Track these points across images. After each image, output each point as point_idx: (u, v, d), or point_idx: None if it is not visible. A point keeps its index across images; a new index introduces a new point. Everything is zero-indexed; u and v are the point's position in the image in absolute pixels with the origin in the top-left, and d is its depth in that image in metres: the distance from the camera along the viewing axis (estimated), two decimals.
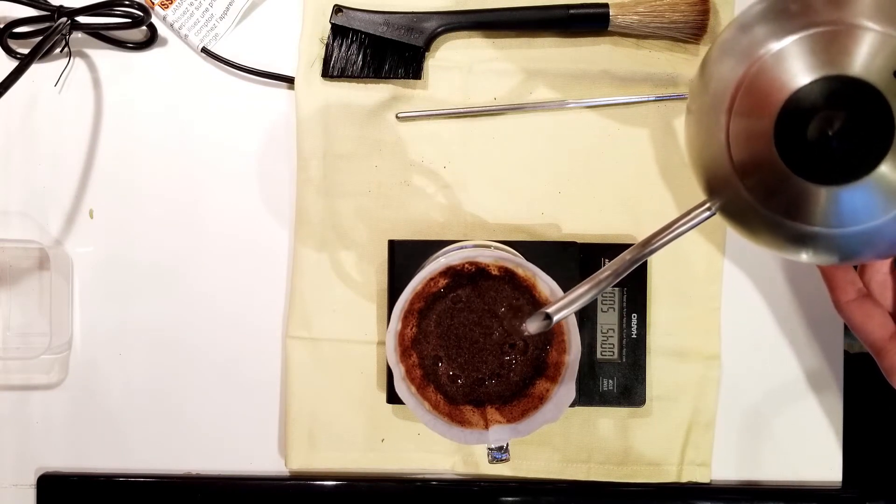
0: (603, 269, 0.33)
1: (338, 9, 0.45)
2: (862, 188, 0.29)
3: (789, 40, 0.30)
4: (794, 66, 0.29)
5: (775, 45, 0.30)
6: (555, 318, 0.32)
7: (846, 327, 0.47)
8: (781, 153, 0.29)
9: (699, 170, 0.34)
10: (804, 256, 0.32)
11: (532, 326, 0.33)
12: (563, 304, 0.32)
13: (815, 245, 0.31)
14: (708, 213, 0.33)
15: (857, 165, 0.29)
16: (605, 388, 0.45)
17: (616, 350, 0.45)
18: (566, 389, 0.37)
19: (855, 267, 0.41)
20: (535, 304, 0.38)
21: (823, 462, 0.48)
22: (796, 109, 0.29)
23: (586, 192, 0.47)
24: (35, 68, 0.44)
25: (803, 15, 0.30)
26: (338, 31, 0.46)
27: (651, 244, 0.33)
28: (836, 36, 0.29)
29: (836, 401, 0.47)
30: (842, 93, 0.29)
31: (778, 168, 0.30)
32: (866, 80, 0.28)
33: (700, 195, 0.34)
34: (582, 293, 0.33)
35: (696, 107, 0.34)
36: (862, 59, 0.28)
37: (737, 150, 0.31)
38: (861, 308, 0.40)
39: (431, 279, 0.38)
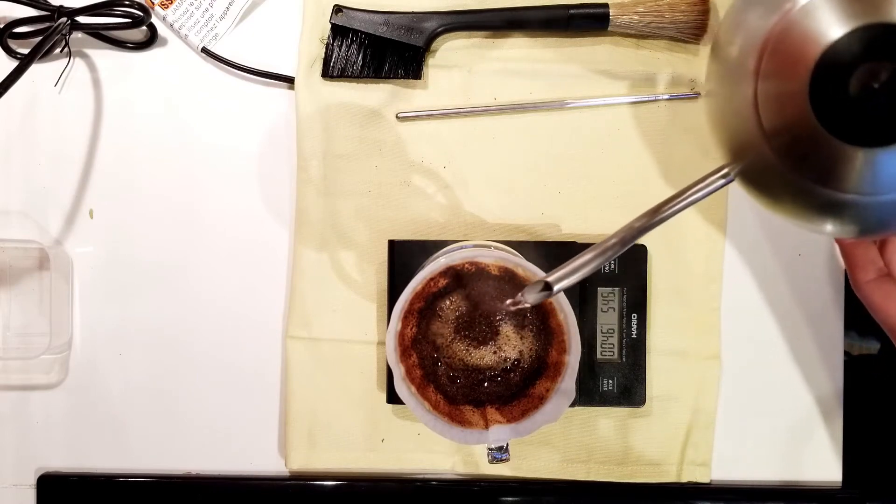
0: (609, 237, 0.31)
1: (338, 9, 0.45)
2: None
3: None
4: (827, 16, 0.27)
5: None
6: (556, 288, 0.30)
7: (846, 328, 0.47)
8: (817, 112, 0.27)
9: (721, 132, 0.32)
10: (829, 227, 0.30)
11: (531, 297, 0.30)
12: (564, 273, 0.30)
13: (844, 214, 0.29)
14: (724, 181, 0.31)
15: None
16: (605, 388, 0.45)
17: (616, 350, 0.45)
18: (566, 389, 0.37)
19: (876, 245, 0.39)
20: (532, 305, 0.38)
21: (823, 462, 0.48)
22: (834, 64, 0.26)
23: (586, 192, 0.47)
24: (35, 68, 0.44)
25: None
26: (338, 31, 0.46)
27: (661, 212, 0.31)
28: None
29: (835, 401, 0.47)
30: (885, 42, 0.26)
31: (812, 129, 0.27)
32: None
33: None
34: (585, 261, 0.30)
35: (718, 67, 0.32)
36: None
37: (766, 111, 0.28)
38: (881, 288, 0.39)
39: (431, 279, 0.38)
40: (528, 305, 0.35)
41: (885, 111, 0.26)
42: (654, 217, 0.31)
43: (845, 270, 0.42)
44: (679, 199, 0.31)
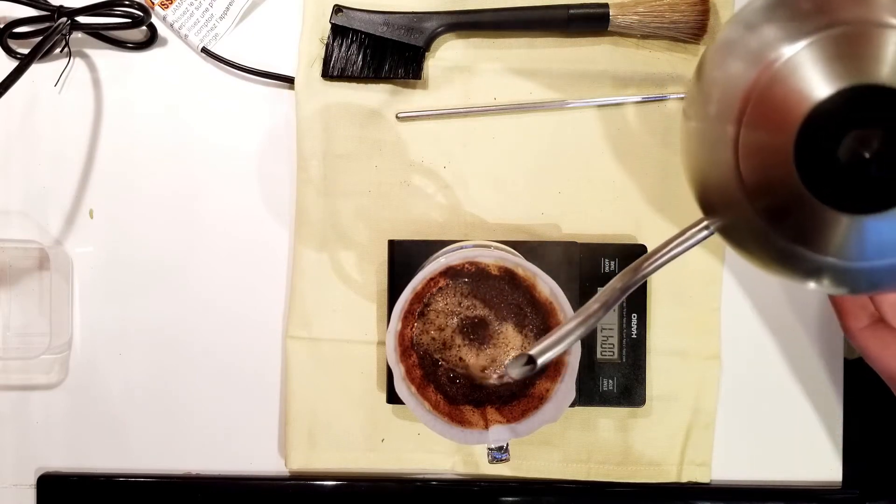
0: (591, 301, 0.29)
1: (338, 9, 0.45)
2: (893, 218, 0.25)
3: (805, 42, 0.26)
4: (814, 73, 0.25)
5: (789, 49, 0.26)
6: (539, 361, 0.28)
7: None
8: (802, 175, 0.25)
9: (698, 186, 0.31)
10: (813, 285, 0.29)
11: (514, 371, 0.29)
12: (548, 345, 0.28)
13: (829, 276, 0.28)
14: (706, 233, 0.30)
15: (895, 192, 0.25)
16: (605, 388, 0.45)
17: (616, 350, 0.45)
18: (566, 389, 0.37)
19: None
20: (534, 304, 0.38)
21: (823, 462, 0.48)
22: (821, 125, 0.25)
23: (586, 192, 0.47)
24: (35, 68, 0.44)
25: (819, 13, 0.26)
26: (338, 31, 0.46)
27: (642, 269, 0.30)
28: (861, 37, 0.25)
29: (835, 401, 0.47)
30: (875, 107, 0.24)
31: (796, 191, 0.26)
32: None
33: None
34: (569, 330, 0.29)
35: (696, 114, 0.30)
36: (892, 64, 0.24)
37: (747, 167, 0.27)
38: (875, 336, 0.37)
39: (431, 279, 0.38)
40: (512, 381, 0.35)
41: (874, 179, 0.25)
42: (636, 275, 0.30)
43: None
44: (660, 255, 0.30)
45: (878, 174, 0.25)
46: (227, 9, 0.48)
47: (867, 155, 0.25)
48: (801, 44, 0.26)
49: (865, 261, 0.26)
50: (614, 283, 0.30)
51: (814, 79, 0.25)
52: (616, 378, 0.45)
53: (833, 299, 0.39)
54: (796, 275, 0.29)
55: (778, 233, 0.27)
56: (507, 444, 0.38)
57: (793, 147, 0.25)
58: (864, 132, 0.25)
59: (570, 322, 0.29)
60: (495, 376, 0.38)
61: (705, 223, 0.30)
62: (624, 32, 0.46)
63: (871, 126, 0.25)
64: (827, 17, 0.26)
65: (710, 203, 0.30)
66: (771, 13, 0.28)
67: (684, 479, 0.47)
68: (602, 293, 0.29)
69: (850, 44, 0.25)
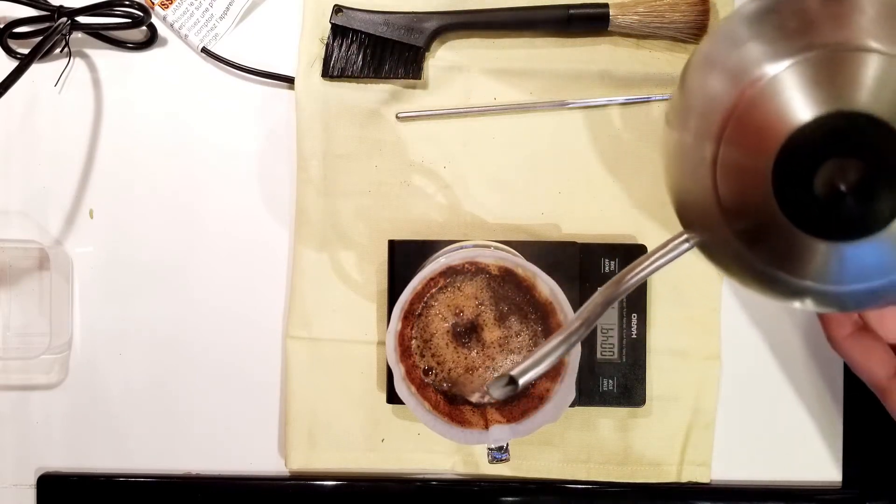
0: (572, 320, 0.29)
1: (338, 9, 0.45)
2: (872, 244, 0.25)
3: (788, 63, 0.25)
4: (795, 96, 0.25)
5: (771, 69, 0.26)
6: (521, 381, 0.28)
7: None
8: (780, 201, 0.25)
9: (677, 198, 0.30)
10: (797, 305, 0.29)
11: (496, 392, 0.29)
12: (529, 365, 0.28)
13: (810, 298, 0.27)
14: (686, 246, 0.29)
15: (872, 221, 0.24)
16: (605, 388, 0.45)
17: (616, 350, 0.45)
18: (566, 389, 0.37)
19: None
20: (534, 304, 0.38)
21: (823, 462, 0.48)
22: (799, 151, 0.25)
23: (586, 192, 0.47)
24: (35, 68, 0.44)
25: (803, 33, 0.26)
26: (338, 31, 0.46)
27: (624, 282, 0.29)
28: (841, 61, 0.25)
29: (836, 401, 0.47)
30: (853, 134, 0.24)
31: (774, 216, 0.25)
32: (880, 117, 0.24)
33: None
34: (551, 349, 0.28)
35: (678, 124, 0.30)
36: (872, 90, 0.24)
37: (725, 187, 0.26)
38: (859, 344, 0.37)
39: (431, 279, 0.38)
40: (495, 400, 0.35)
41: (852, 210, 0.24)
42: (619, 288, 0.29)
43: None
44: (641, 268, 0.29)
45: (854, 206, 0.24)
46: (227, 9, 0.48)
47: (843, 187, 0.24)
48: (784, 64, 0.25)
49: (846, 285, 0.26)
50: (596, 297, 0.29)
51: (794, 102, 0.25)
52: (616, 378, 0.45)
53: None
54: (777, 296, 0.28)
55: (755, 255, 0.27)
56: (507, 444, 0.38)
57: (771, 171, 0.25)
58: (840, 162, 0.24)
59: (551, 341, 0.29)
60: (477, 395, 0.38)
61: (686, 237, 0.30)
62: (624, 32, 0.46)
63: (849, 154, 0.24)
64: (810, 39, 0.25)
65: (688, 218, 0.30)
66: (754, 29, 0.27)
67: (684, 479, 0.47)
68: (583, 310, 0.29)
69: (831, 67, 0.25)
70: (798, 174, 0.25)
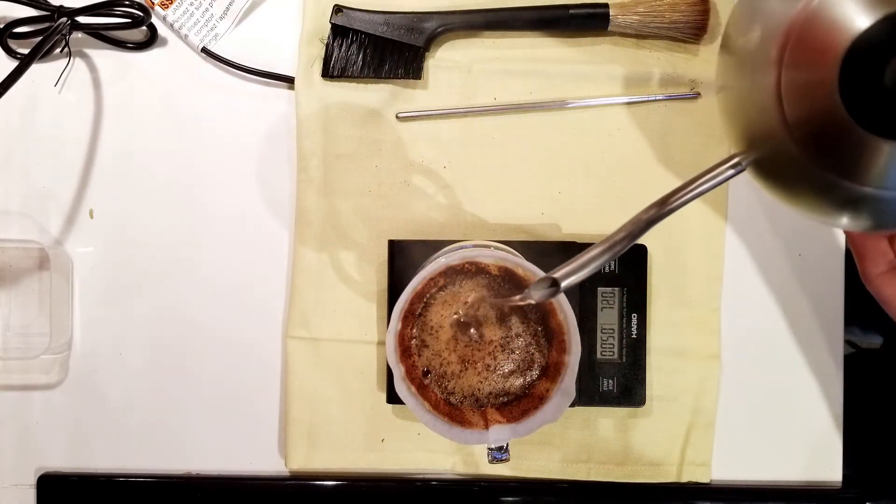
0: (617, 230, 0.30)
1: (338, 9, 0.45)
2: None
3: None
4: (854, 4, 0.26)
5: None
6: (563, 284, 0.28)
7: (845, 328, 0.47)
8: (847, 103, 0.26)
9: (736, 121, 0.31)
10: (844, 220, 0.29)
11: (537, 294, 0.29)
12: (572, 269, 0.29)
13: (862, 208, 0.28)
14: (735, 171, 0.30)
15: None
16: (605, 388, 0.45)
17: (616, 350, 0.45)
18: (566, 389, 0.37)
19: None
20: (534, 304, 0.38)
21: (823, 462, 0.48)
22: (865, 53, 0.25)
23: (586, 192, 0.47)
24: (35, 68, 0.44)
25: None
26: (338, 31, 0.46)
27: (669, 203, 0.30)
28: None
29: (836, 401, 0.47)
30: None
31: (841, 120, 0.26)
32: None
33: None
34: (593, 256, 0.29)
35: (735, 53, 0.30)
36: None
37: (790, 101, 0.27)
38: (893, 282, 0.38)
39: (431, 279, 0.38)
40: (533, 302, 0.34)
41: None
42: (663, 208, 0.30)
43: (849, 264, 0.41)
44: (688, 190, 0.30)
45: None
46: (227, 9, 0.48)
47: None
48: None
49: None
50: (640, 214, 0.30)
51: (855, 8, 0.26)
52: (616, 378, 0.45)
53: (854, 243, 0.39)
54: (830, 209, 0.29)
55: (817, 163, 0.27)
56: (507, 444, 0.38)
57: (837, 78, 0.26)
58: None
59: (594, 249, 0.29)
60: (517, 297, 0.37)
61: (736, 159, 0.30)
62: (624, 32, 0.46)
63: None
64: None
65: (747, 136, 0.30)
66: None
67: (684, 479, 0.47)
68: (628, 223, 0.30)
69: None
70: (865, 76, 0.25)
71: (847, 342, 0.47)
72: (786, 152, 0.28)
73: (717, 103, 0.32)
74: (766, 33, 0.28)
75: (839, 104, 0.26)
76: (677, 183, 0.46)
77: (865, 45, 0.25)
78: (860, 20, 0.25)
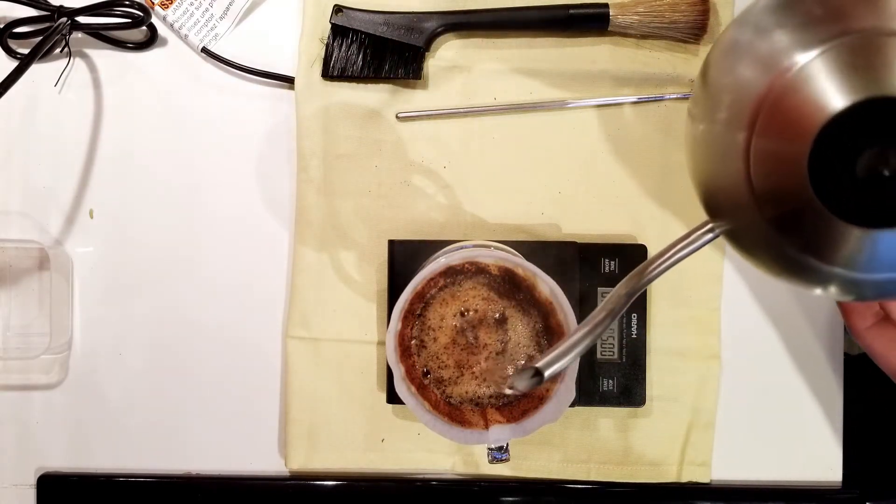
0: (597, 310, 0.29)
1: (338, 9, 0.45)
2: None
3: (819, 51, 0.25)
4: (829, 83, 0.25)
5: (802, 57, 0.25)
6: (546, 374, 0.28)
7: (846, 327, 0.47)
8: (816, 188, 0.25)
9: (705, 189, 0.30)
10: (820, 293, 0.29)
11: (521, 384, 0.28)
12: (555, 357, 0.28)
13: (837, 285, 0.28)
14: (711, 236, 0.30)
15: None
16: (605, 388, 0.45)
17: (616, 350, 0.45)
18: (566, 389, 0.37)
19: None
20: (535, 304, 0.38)
21: (823, 462, 0.48)
22: (837, 138, 0.24)
23: (586, 192, 0.47)
24: (35, 68, 0.44)
25: (832, 20, 0.26)
26: (338, 31, 0.46)
27: (647, 274, 0.29)
28: (876, 46, 0.24)
29: (836, 401, 0.47)
30: (893, 119, 0.24)
31: (808, 202, 0.25)
32: None
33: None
34: (576, 341, 0.28)
35: (704, 117, 0.30)
36: None
37: (758, 175, 0.26)
38: (882, 335, 0.37)
39: (431, 279, 0.38)
40: (519, 393, 0.34)
41: (891, 195, 0.25)
42: (641, 279, 0.29)
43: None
44: (665, 258, 0.29)
45: (894, 189, 0.25)
46: (227, 9, 0.48)
47: (886, 173, 0.24)
48: (815, 52, 0.25)
49: (875, 273, 0.26)
50: (619, 289, 0.29)
51: (829, 89, 0.25)
52: (616, 378, 0.45)
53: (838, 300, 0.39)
54: (804, 283, 0.29)
55: (787, 241, 0.27)
56: (507, 444, 0.38)
57: (807, 158, 0.25)
58: (883, 150, 0.24)
59: (576, 333, 0.28)
60: (505, 388, 0.38)
61: (710, 226, 0.30)
62: (624, 32, 0.46)
63: (889, 140, 0.24)
64: (840, 25, 0.25)
65: (717, 207, 0.30)
66: (780, 17, 0.27)
67: (684, 479, 0.47)
68: (607, 301, 0.29)
69: (864, 53, 0.25)
70: (835, 160, 0.25)
71: (847, 342, 0.47)
72: (756, 227, 0.27)
73: (688, 168, 0.31)
74: (739, 98, 0.27)
75: (808, 185, 0.25)
76: (677, 183, 0.47)
77: (838, 130, 0.24)
78: (834, 101, 0.24)
